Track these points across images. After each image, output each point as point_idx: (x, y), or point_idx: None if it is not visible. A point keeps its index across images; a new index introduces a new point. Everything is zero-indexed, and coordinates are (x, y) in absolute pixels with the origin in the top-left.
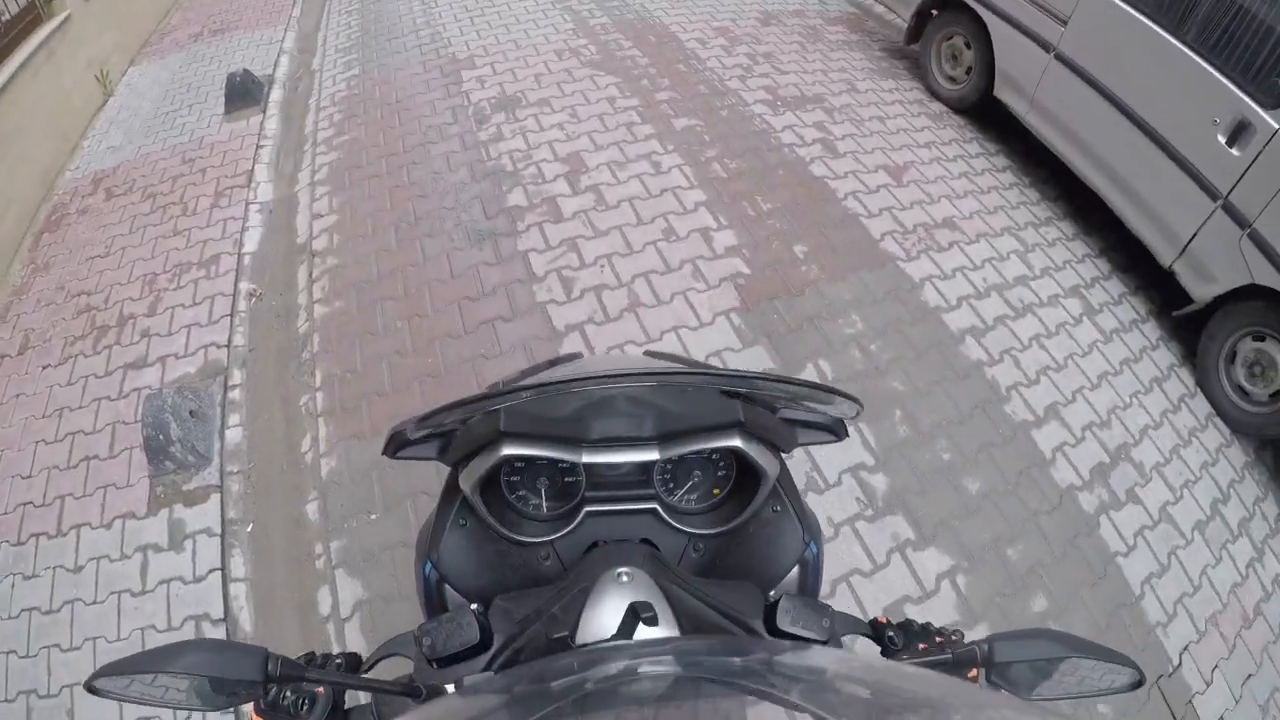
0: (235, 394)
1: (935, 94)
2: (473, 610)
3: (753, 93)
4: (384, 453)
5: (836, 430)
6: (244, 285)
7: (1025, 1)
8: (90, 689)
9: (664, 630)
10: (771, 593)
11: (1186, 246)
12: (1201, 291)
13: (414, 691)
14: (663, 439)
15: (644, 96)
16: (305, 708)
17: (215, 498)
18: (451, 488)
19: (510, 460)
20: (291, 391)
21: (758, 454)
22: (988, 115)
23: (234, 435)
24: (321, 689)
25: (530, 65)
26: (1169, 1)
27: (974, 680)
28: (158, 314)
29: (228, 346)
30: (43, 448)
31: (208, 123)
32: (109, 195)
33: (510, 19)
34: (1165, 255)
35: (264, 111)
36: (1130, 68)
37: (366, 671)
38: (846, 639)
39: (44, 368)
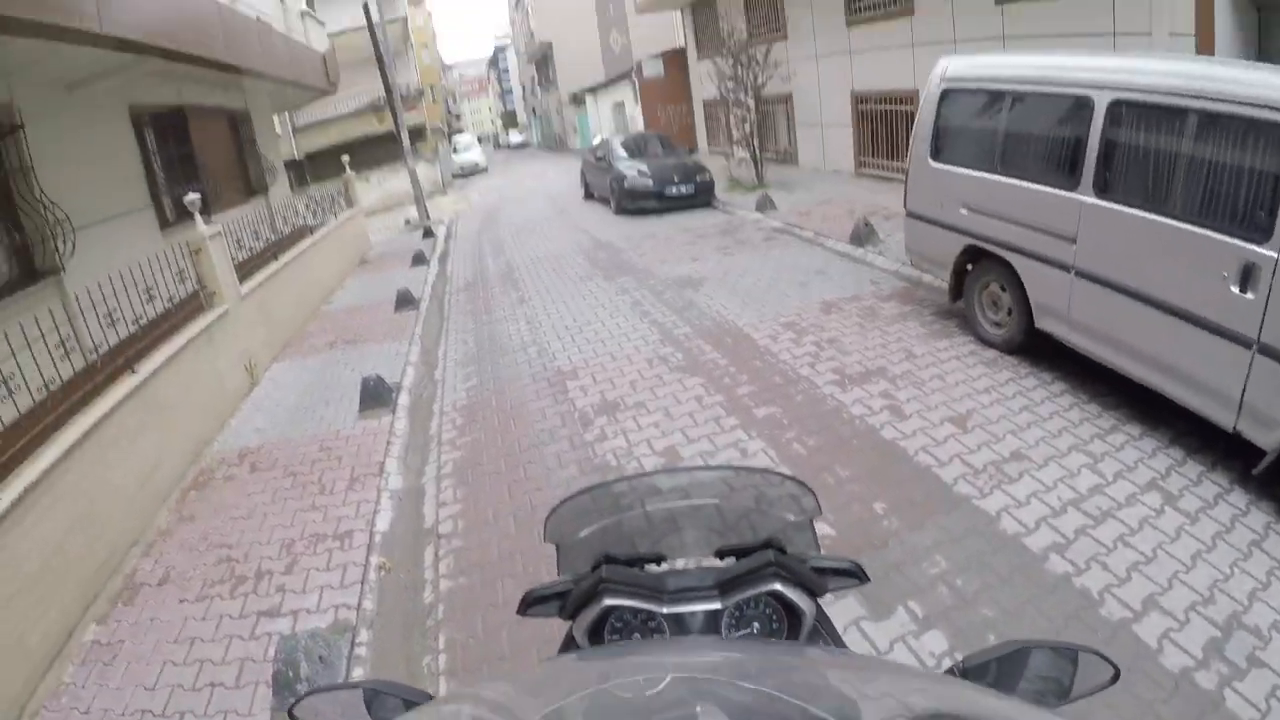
0: (361, 650)
1: (985, 341)
2: None
3: (821, 375)
4: (518, 611)
5: (857, 575)
6: (375, 558)
7: (1039, 234)
8: (291, 716)
9: None
10: None
11: (1242, 402)
12: (1270, 440)
13: None
14: (722, 590)
15: (727, 393)
16: None
17: None
18: (568, 641)
19: (611, 612)
20: (415, 653)
21: (795, 595)
22: (1037, 350)
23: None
24: None
25: (625, 374)
26: (1147, 187)
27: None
28: (293, 573)
29: (357, 609)
30: (170, 668)
31: (343, 418)
32: (253, 468)
33: (605, 334)
34: (1226, 419)
35: (393, 413)
36: (1136, 257)
37: None
38: None
39: (181, 601)
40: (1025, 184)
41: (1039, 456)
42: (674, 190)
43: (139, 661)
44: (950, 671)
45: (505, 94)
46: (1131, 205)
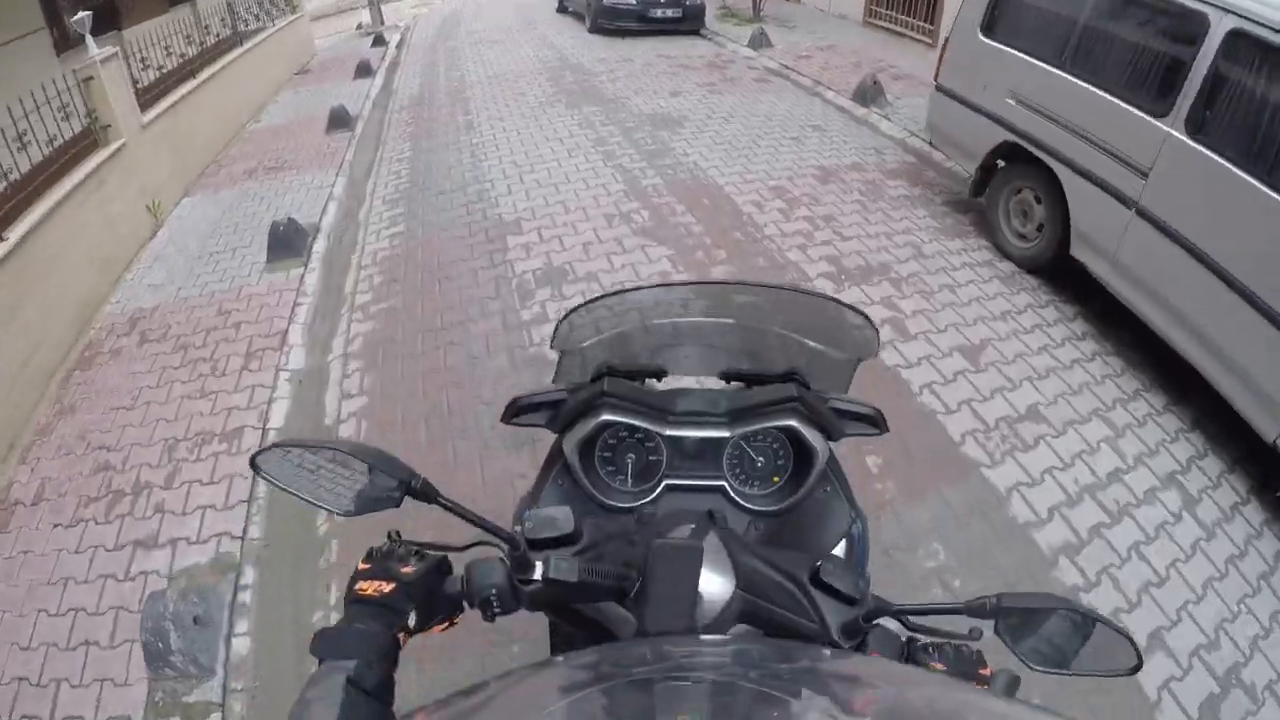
0: (245, 596)
1: (1004, 252)
2: (569, 511)
3: (815, 264)
4: (502, 419)
5: (878, 423)
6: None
7: (1100, 153)
8: (253, 464)
9: (723, 581)
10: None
11: None
12: None
13: (513, 542)
14: (732, 419)
15: (700, 271)
16: (414, 561)
17: (216, 716)
18: (555, 454)
19: (606, 428)
20: (304, 604)
21: (810, 435)
22: (1060, 273)
23: (240, 646)
24: (415, 562)
25: (579, 232)
26: (1255, 145)
27: (988, 677)
28: (174, 487)
29: (242, 538)
30: (44, 619)
31: (248, 270)
32: (143, 339)
33: (560, 177)
34: (1268, 430)
35: (305, 264)
36: (1222, 222)
37: (463, 549)
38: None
39: (55, 526)
40: (1098, 92)
41: (1058, 419)
42: (659, 12)
43: (12, 611)
44: (983, 605)
45: None
46: (1229, 159)
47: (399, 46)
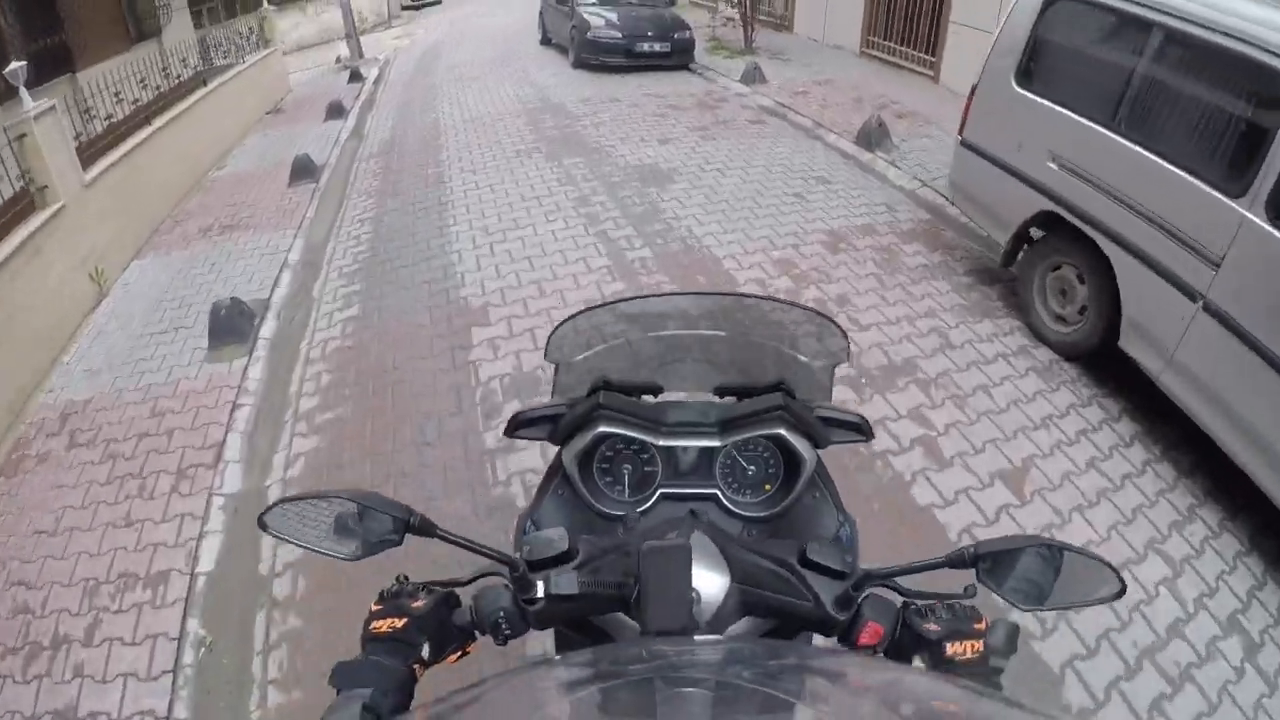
0: None
1: (1039, 335)
2: (564, 531)
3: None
4: (505, 433)
5: (863, 430)
6: (193, 626)
7: (1161, 233)
8: (261, 524)
9: (719, 577)
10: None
11: None
12: None
13: (513, 564)
14: (722, 429)
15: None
16: (423, 596)
17: None
18: (555, 466)
19: (603, 440)
20: None
21: (798, 443)
22: (1099, 360)
23: None
24: (424, 597)
25: (554, 322)
26: None
27: (984, 630)
28: (94, 645)
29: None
30: None
31: (188, 358)
32: (72, 441)
33: (535, 247)
34: None
35: (250, 352)
36: None
37: (468, 581)
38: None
39: None
40: (1159, 160)
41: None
42: (646, 46)
43: None
44: (961, 555)
45: None
46: None
47: (376, 83)
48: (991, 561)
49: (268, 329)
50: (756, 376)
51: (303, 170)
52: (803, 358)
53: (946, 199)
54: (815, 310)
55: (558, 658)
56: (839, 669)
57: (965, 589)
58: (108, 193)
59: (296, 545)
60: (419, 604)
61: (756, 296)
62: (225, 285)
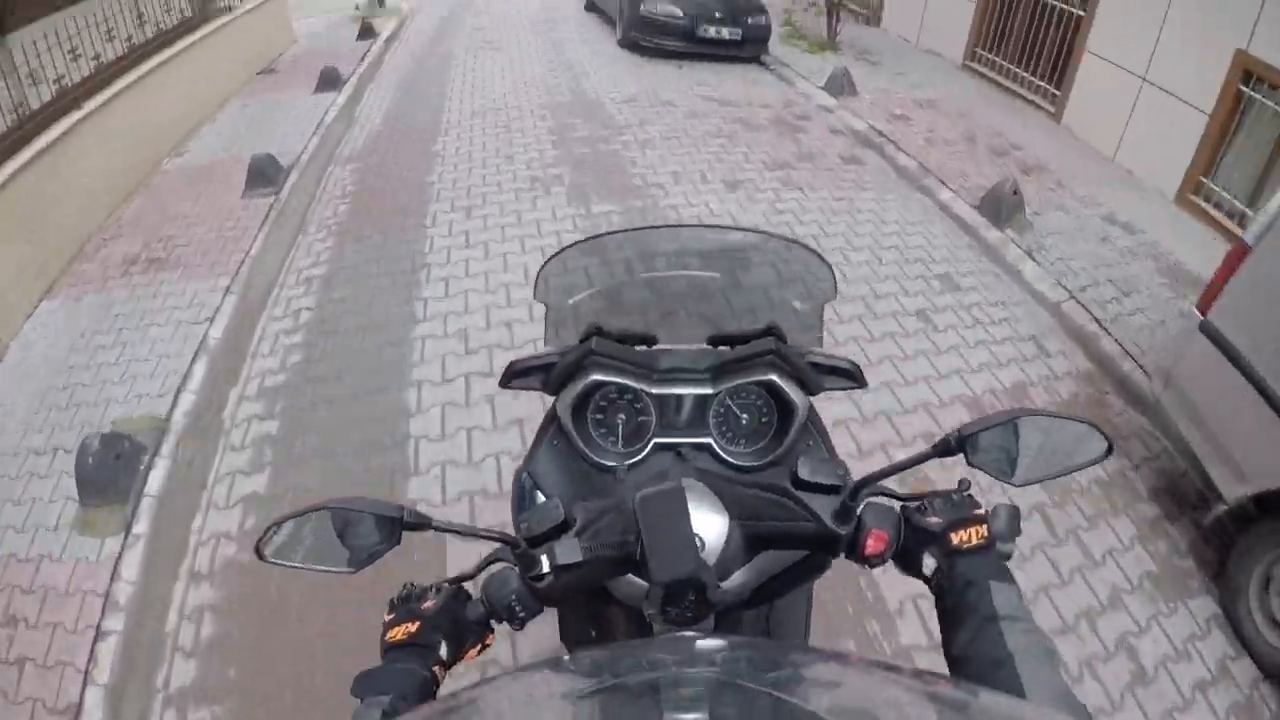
0: None
1: (1245, 640)
2: (558, 501)
3: None
4: (500, 383)
5: (856, 377)
6: None
7: None
8: (258, 554)
9: (718, 518)
10: None
11: None
12: None
13: (514, 543)
14: (715, 376)
15: None
16: (432, 596)
17: None
18: (550, 416)
19: (597, 388)
20: None
21: (790, 389)
22: None
23: None
24: (433, 597)
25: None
26: None
27: (985, 515)
28: None
29: None
30: None
31: (58, 512)
32: None
33: (536, 403)
34: None
35: (127, 528)
36: None
37: (475, 573)
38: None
39: None
40: None
41: None
42: (712, 30)
43: None
44: (946, 442)
45: None
46: None
47: (387, 42)
48: (977, 443)
49: (155, 482)
50: (748, 322)
51: (261, 175)
52: (793, 301)
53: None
54: (802, 244)
55: (565, 658)
56: (846, 672)
57: (960, 482)
58: (10, 210)
59: (298, 569)
60: (429, 604)
61: (744, 229)
62: (124, 377)
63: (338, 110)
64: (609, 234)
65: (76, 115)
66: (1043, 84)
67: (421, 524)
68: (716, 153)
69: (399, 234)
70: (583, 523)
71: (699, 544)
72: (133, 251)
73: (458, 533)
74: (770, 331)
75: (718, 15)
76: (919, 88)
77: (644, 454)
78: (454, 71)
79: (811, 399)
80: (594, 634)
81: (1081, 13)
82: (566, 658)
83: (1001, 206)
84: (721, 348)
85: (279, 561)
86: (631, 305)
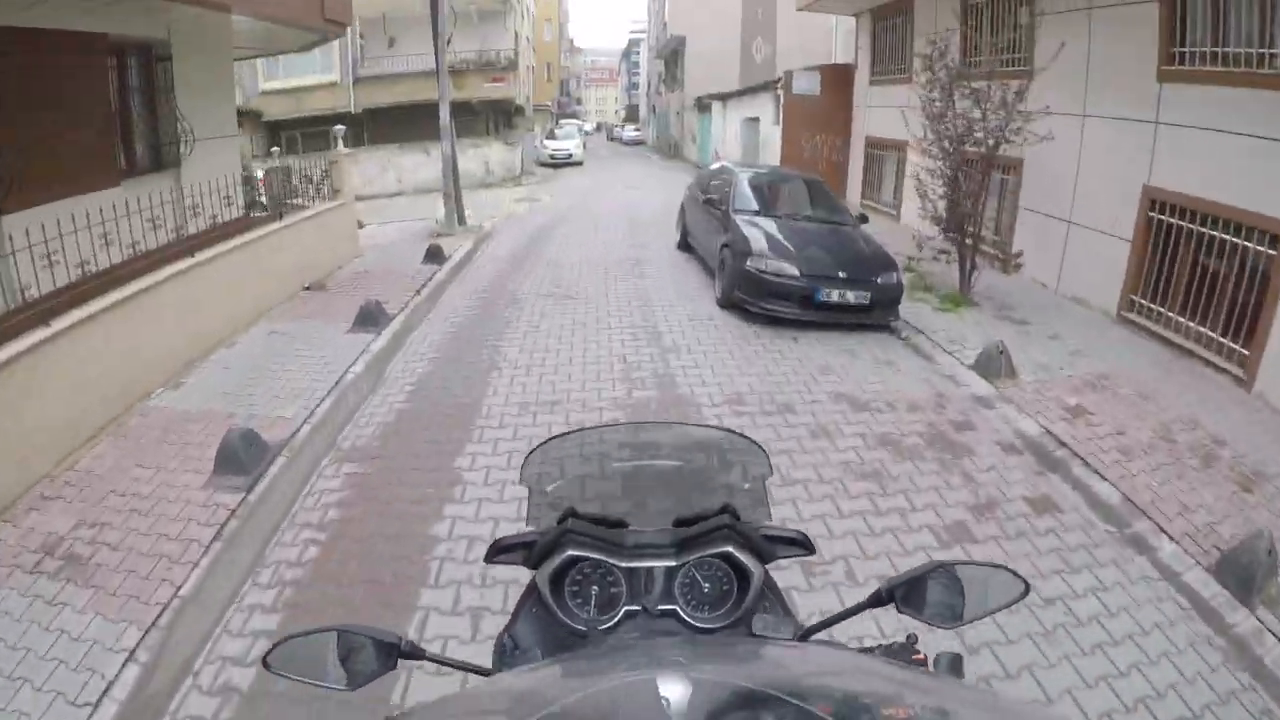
0: None
1: None
2: (539, 652)
3: None
4: (485, 559)
5: (805, 545)
6: None
7: None
8: (265, 664)
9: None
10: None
11: None
12: None
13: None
14: (678, 550)
15: None
16: None
17: None
18: (530, 588)
19: (573, 563)
20: None
21: (745, 559)
22: None
23: None
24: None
25: None
26: None
27: (923, 661)
28: None
29: None
30: None
31: None
32: None
33: None
34: None
35: None
36: None
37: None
38: None
39: None
40: None
41: None
42: (835, 295)
43: None
44: (878, 594)
45: (632, 88)
46: None
47: (452, 271)
48: (905, 592)
49: None
50: (706, 503)
51: (233, 460)
52: (741, 483)
53: None
54: (737, 433)
55: (562, 657)
56: (839, 665)
57: (908, 637)
58: None
59: (299, 682)
60: None
61: (692, 424)
62: None
63: (366, 364)
64: (582, 430)
65: (40, 334)
66: (1225, 340)
67: (416, 654)
68: (864, 512)
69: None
70: None
71: (665, 704)
72: (60, 532)
73: (450, 666)
74: (725, 509)
75: (842, 275)
76: (1080, 356)
77: (615, 620)
78: (516, 326)
79: (767, 566)
80: None
81: (1274, 252)
82: (566, 655)
83: (1251, 573)
84: (682, 528)
85: (283, 673)
86: (604, 490)
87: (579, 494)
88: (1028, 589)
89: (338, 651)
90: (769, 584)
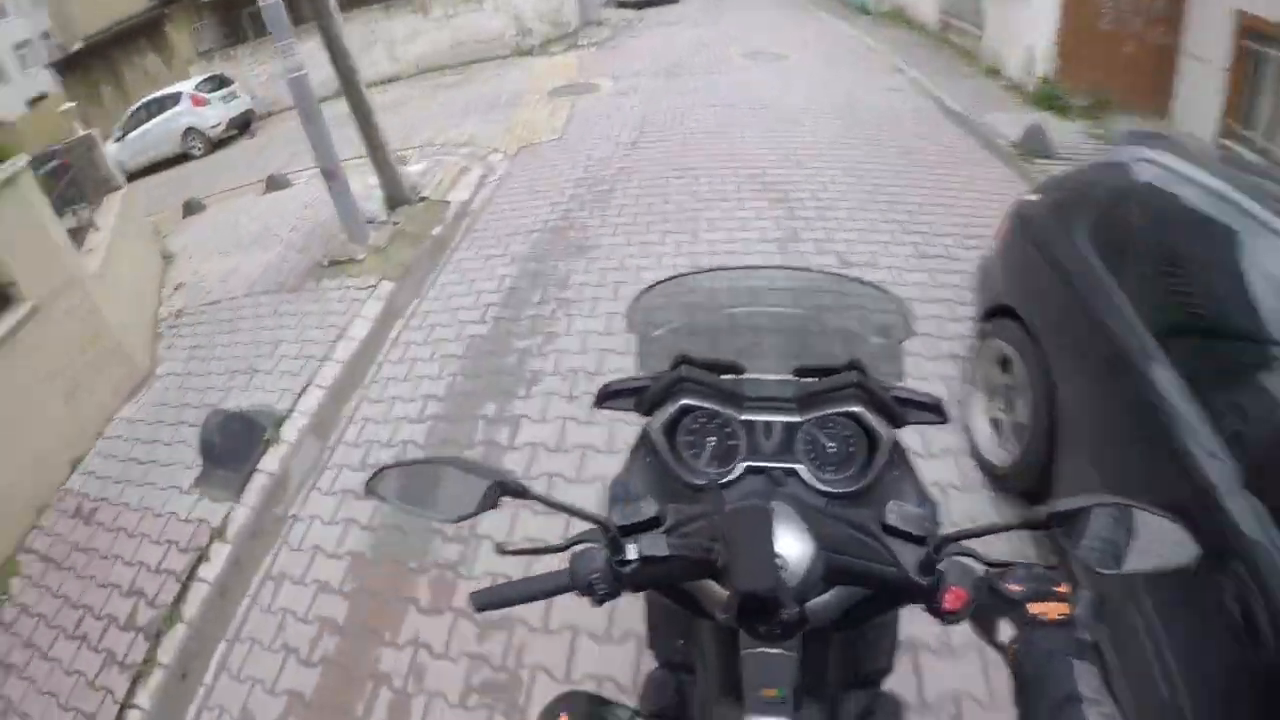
0: None
1: None
2: (653, 499)
3: None
4: (595, 404)
5: (940, 411)
6: None
7: None
8: (367, 489)
9: (804, 544)
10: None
11: None
12: None
13: (606, 526)
14: (801, 405)
15: None
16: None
17: None
18: (643, 437)
19: (686, 412)
20: None
21: (874, 421)
22: None
23: None
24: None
25: None
26: None
27: (1065, 594)
28: None
29: None
30: None
31: None
32: None
33: None
34: None
35: None
36: None
37: (563, 547)
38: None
39: None
40: None
41: None
42: None
43: None
44: (1036, 514)
45: None
46: None
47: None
48: (1066, 522)
49: None
50: (831, 357)
51: None
52: (873, 337)
53: None
54: (879, 288)
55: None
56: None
57: (1052, 566)
58: None
59: (400, 509)
60: None
61: (827, 272)
62: None
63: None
64: (701, 272)
65: None
66: None
67: (521, 492)
68: None
69: None
70: (672, 523)
71: (781, 564)
72: None
73: (554, 505)
74: (853, 365)
75: None
76: None
77: (736, 475)
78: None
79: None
80: (681, 643)
81: None
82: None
83: None
84: (805, 379)
85: (385, 499)
86: (718, 334)
87: (691, 339)
88: (1200, 556)
89: (444, 483)
90: (899, 452)
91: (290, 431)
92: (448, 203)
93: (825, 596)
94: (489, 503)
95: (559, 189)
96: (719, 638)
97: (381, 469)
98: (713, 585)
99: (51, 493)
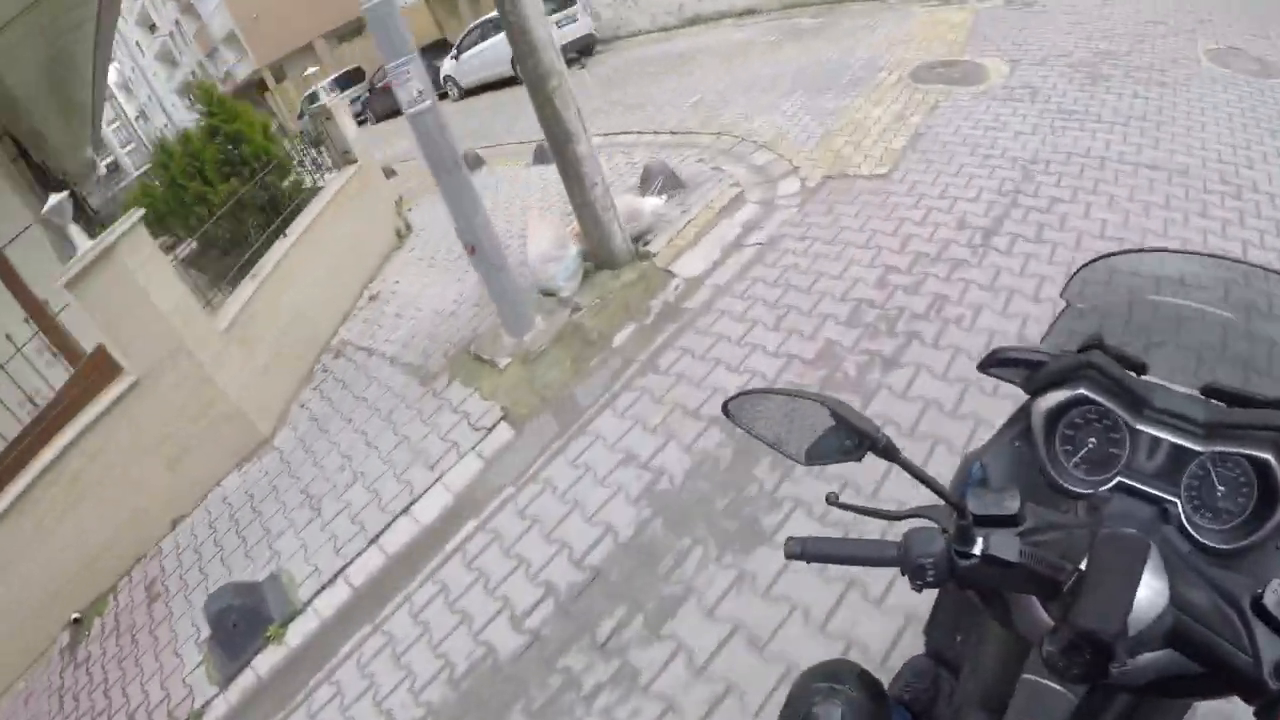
0: None
1: None
2: (1017, 493)
3: None
4: (979, 366)
5: None
6: None
7: None
8: (725, 410)
9: (1156, 592)
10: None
11: None
12: None
13: (961, 510)
14: (1208, 433)
15: None
16: None
17: None
18: (1018, 416)
19: (1079, 403)
20: None
21: None
22: None
23: None
24: None
25: None
26: None
27: None
28: None
29: None
30: None
31: None
32: None
33: None
34: None
35: None
36: None
37: (899, 517)
38: None
39: None
40: None
41: None
42: None
43: None
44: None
45: None
46: None
47: None
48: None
49: None
50: (1258, 383)
51: None
52: None
53: None
54: None
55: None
56: None
57: None
58: None
59: (754, 436)
60: None
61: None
62: None
63: None
64: (1167, 250)
65: None
66: None
67: (890, 454)
68: None
69: None
70: (1030, 526)
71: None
72: None
73: (918, 476)
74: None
75: None
76: None
77: (1106, 488)
78: None
79: None
80: (959, 639)
81: None
82: None
83: None
84: (1215, 402)
85: (740, 424)
86: (1136, 327)
87: (1108, 323)
88: None
89: (802, 420)
90: None
91: (295, 635)
92: (671, 275)
93: (1152, 656)
94: (850, 456)
95: (819, 305)
96: (1006, 650)
97: (742, 393)
98: (1036, 606)
99: (151, 545)
